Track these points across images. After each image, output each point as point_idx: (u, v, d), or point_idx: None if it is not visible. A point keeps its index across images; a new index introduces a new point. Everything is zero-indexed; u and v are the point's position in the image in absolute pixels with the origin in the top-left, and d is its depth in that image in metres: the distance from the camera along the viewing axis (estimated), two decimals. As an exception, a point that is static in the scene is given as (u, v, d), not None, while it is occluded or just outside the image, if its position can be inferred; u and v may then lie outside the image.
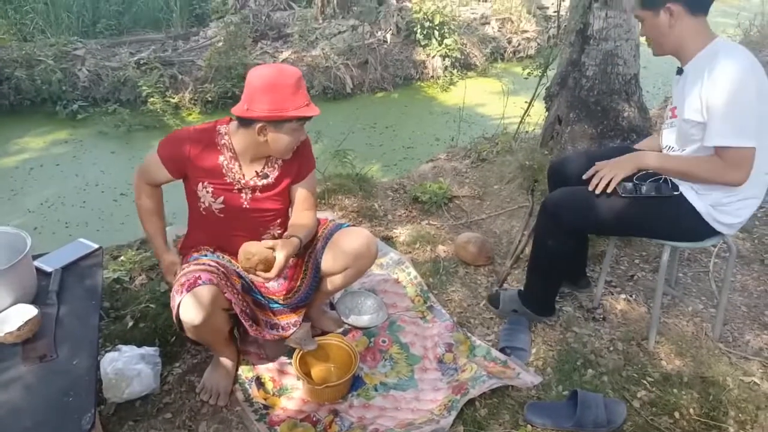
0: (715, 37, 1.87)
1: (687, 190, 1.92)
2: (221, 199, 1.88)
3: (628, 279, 2.63)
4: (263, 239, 1.95)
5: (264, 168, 1.91)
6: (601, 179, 1.95)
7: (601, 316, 2.38)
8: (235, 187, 1.88)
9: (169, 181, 1.93)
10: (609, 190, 1.94)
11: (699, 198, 1.90)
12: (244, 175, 1.89)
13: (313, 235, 2.03)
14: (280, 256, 1.75)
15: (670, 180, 1.95)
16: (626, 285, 2.58)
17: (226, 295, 1.76)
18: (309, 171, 2.01)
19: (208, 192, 1.87)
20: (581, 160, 2.25)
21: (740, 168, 1.79)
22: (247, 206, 1.91)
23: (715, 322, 2.26)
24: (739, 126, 1.75)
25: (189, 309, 1.70)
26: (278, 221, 2.01)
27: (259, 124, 1.75)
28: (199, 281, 1.70)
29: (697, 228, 1.95)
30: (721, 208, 1.90)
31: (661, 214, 1.96)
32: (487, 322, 2.39)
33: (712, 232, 1.97)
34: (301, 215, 1.98)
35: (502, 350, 2.18)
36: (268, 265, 1.75)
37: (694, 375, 2.05)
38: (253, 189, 1.91)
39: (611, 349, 2.21)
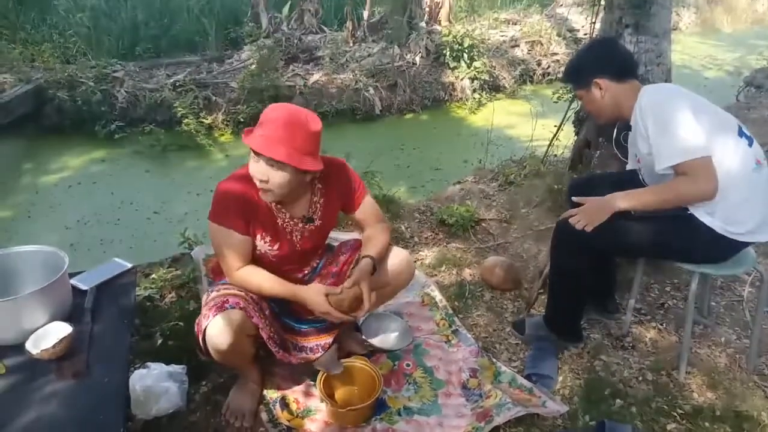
0: (642, 88, 2.05)
1: (695, 207, 1.92)
2: (277, 245, 1.88)
3: (659, 307, 2.58)
4: (304, 270, 2.01)
5: (308, 211, 1.91)
6: (577, 226, 2.00)
7: (630, 345, 2.34)
8: (287, 230, 1.89)
9: (248, 245, 1.84)
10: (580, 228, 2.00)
11: (708, 214, 1.91)
12: (293, 218, 1.89)
13: (383, 251, 2.00)
14: (365, 288, 1.81)
15: None
16: (656, 313, 2.53)
17: (253, 320, 1.78)
18: (361, 198, 2.01)
19: (266, 242, 1.87)
20: (602, 181, 2.32)
21: (705, 177, 1.85)
22: (299, 248, 1.93)
23: (749, 354, 2.20)
24: (683, 141, 1.85)
25: (216, 334, 1.72)
26: (319, 252, 2.06)
27: None
28: (227, 305, 1.73)
29: (716, 245, 1.94)
30: (731, 218, 1.89)
31: (675, 233, 1.96)
32: (512, 348, 2.37)
33: (734, 248, 1.95)
34: (369, 230, 2.02)
35: (527, 377, 2.16)
36: (358, 300, 1.82)
37: (727, 408, 2.00)
38: (302, 232, 1.92)
39: (640, 378, 2.16)
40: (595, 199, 2.03)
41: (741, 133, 1.95)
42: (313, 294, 1.83)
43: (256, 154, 1.71)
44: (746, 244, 1.97)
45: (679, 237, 1.96)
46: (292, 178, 1.73)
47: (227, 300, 1.75)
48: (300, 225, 1.91)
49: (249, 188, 1.80)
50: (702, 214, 1.91)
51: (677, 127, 1.86)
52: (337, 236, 2.51)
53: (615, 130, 2.52)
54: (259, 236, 1.85)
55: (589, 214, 2.00)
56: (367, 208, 2.03)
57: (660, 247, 2.04)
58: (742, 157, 1.91)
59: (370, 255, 1.91)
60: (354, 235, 2.88)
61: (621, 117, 2.14)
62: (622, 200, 1.97)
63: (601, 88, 2.09)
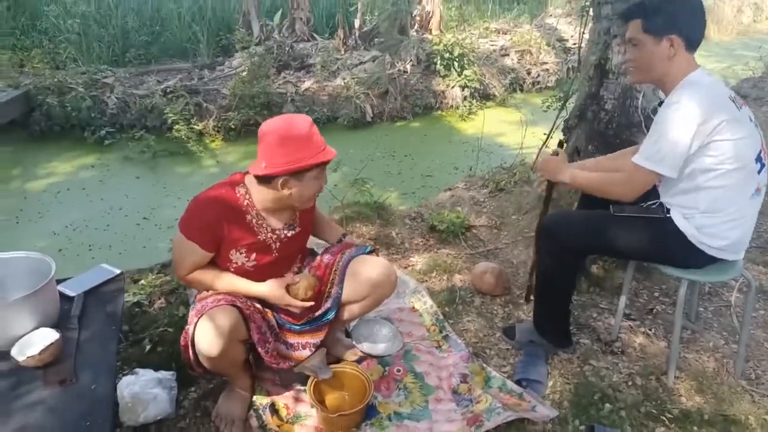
0: (694, 68, 1.91)
1: (675, 213, 1.94)
2: (253, 256, 1.88)
3: (647, 312, 2.59)
4: (285, 275, 2.01)
5: (290, 218, 1.91)
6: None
7: (620, 350, 2.35)
8: (267, 242, 1.89)
9: (207, 260, 1.84)
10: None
11: (685, 220, 1.93)
12: (274, 230, 1.89)
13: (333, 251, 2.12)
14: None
15: (664, 204, 1.98)
16: (645, 318, 2.55)
17: (246, 311, 1.78)
18: None
19: (241, 254, 1.86)
20: None
21: (635, 187, 1.91)
22: (276, 254, 1.92)
23: (736, 359, 2.22)
24: (653, 149, 1.85)
25: (205, 337, 1.71)
26: (299, 256, 2.07)
27: (281, 179, 1.74)
28: (212, 305, 1.73)
29: (688, 253, 1.96)
30: (706, 230, 1.91)
31: (650, 236, 1.99)
32: (503, 353, 2.37)
33: (708, 259, 1.97)
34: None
35: (517, 382, 2.16)
36: (313, 287, 1.90)
37: (715, 413, 2.01)
38: (282, 240, 1.92)
39: (629, 383, 2.17)
40: (558, 163, 2.16)
41: (758, 159, 1.92)
42: (274, 288, 1.85)
43: (322, 164, 1.78)
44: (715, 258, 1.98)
45: (655, 240, 1.99)
46: None
47: (212, 303, 1.75)
48: (283, 234, 1.91)
49: (228, 203, 1.79)
50: (679, 218, 1.93)
51: (660, 135, 1.83)
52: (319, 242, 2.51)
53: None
54: (233, 250, 1.84)
55: (544, 168, 2.21)
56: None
57: (637, 249, 2.06)
58: (748, 183, 1.91)
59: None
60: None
61: (661, 84, 1.97)
62: (567, 175, 2.12)
63: (672, 46, 1.87)
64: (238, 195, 1.83)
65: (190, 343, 1.77)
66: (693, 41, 1.89)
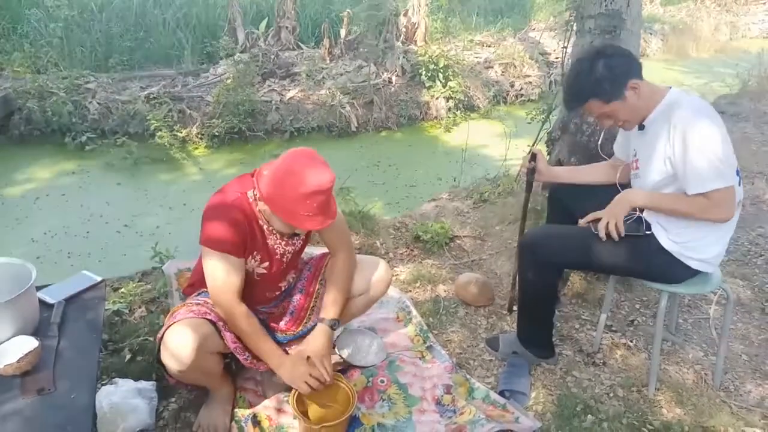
0: (667, 89, 1.99)
1: (658, 230, 1.98)
2: (266, 264, 1.88)
3: (629, 324, 2.62)
4: (280, 285, 2.02)
5: (293, 228, 1.87)
6: (609, 229, 1.97)
7: (601, 361, 2.37)
8: (278, 251, 1.89)
9: (243, 270, 1.81)
10: (616, 237, 1.96)
11: (668, 238, 1.96)
12: (282, 238, 1.89)
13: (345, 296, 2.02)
14: (318, 363, 1.86)
15: (645, 220, 2.01)
16: (626, 330, 2.58)
17: (219, 323, 1.77)
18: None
19: (256, 260, 1.86)
20: (582, 190, 2.33)
21: (725, 206, 1.87)
22: (283, 267, 1.95)
23: (715, 371, 2.25)
24: (717, 169, 1.83)
25: (175, 346, 1.69)
26: (295, 267, 2.08)
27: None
28: (189, 314, 1.73)
29: (671, 268, 1.99)
30: (691, 244, 1.95)
31: (633, 252, 2.01)
32: (486, 364, 2.38)
33: (689, 273, 2.00)
34: (334, 268, 2.01)
35: (501, 393, 2.17)
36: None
37: (695, 424, 2.04)
38: (292, 251, 1.94)
39: (611, 395, 2.19)
40: (622, 198, 2.00)
41: (737, 171, 1.96)
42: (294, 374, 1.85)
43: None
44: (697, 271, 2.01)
45: (638, 257, 2.02)
46: None
47: (182, 315, 1.74)
48: (289, 246, 1.91)
49: (241, 209, 1.78)
50: (663, 237, 1.97)
51: (712, 155, 1.82)
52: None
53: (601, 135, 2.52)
54: (251, 256, 1.85)
55: (612, 212, 1.98)
56: (335, 227, 1.95)
57: (621, 266, 2.09)
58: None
59: (327, 320, 1.93)
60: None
61: (642, 118, 2.01)
62: (641, 198, 1.98)
63: (635, 90, 1.94)
64: (249, 200, 1.81)
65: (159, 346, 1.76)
66: (640, 68, 1.98)
